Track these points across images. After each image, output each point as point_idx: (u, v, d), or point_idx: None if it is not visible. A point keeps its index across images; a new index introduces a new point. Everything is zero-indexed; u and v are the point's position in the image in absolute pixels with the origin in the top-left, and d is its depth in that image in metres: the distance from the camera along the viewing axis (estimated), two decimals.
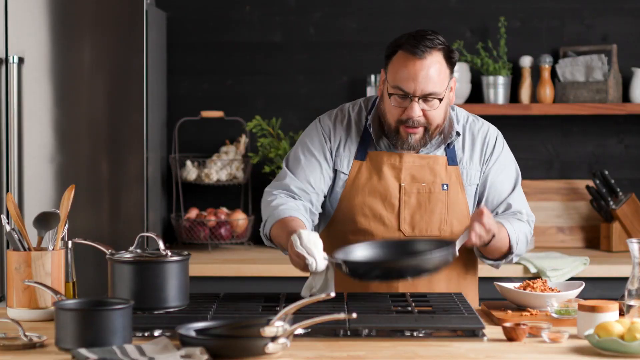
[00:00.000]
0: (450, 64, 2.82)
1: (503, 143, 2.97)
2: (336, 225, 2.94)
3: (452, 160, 2.91)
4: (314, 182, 2.92)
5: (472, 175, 2.93)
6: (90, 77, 4.08)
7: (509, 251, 2.87)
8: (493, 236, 2.73)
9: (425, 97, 2.78)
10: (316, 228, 3.00)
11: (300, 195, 2.91)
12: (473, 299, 2.99)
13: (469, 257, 2.98)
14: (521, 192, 2.98)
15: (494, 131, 2.98)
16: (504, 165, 2.96)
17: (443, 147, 2.92)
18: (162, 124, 4.59)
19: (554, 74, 4.73)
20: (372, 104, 2.97)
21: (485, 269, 4.11)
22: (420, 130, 2.83)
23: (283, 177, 2.95)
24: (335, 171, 2.93)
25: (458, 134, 2.92)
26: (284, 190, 2.92)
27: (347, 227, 2.92)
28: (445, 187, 2.89)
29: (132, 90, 4.08)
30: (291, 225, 2.76)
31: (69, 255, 2.76)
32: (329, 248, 2.78)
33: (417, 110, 2.78)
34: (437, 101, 2.79)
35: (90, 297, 2.41)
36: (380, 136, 2.91)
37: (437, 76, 2.77)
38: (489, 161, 2.94)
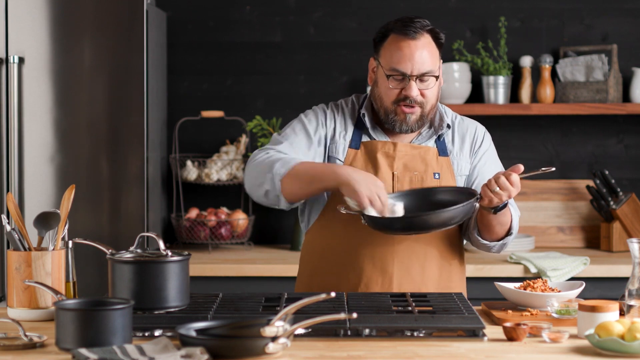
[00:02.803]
0: (439, 44, 2.93)
1: (490, 139, 3.06)
2: (331, 212, 2.95)
3: (442, 151, 2.98)
4: (304, 158, 2.94)
5: (463, 167, 3.00)
6: (90, 77, 4.08)
7: (509, 232, 2.92)
8: (506, 204, 2.79)
9: (422, 77, 2.87)
10: (309, 215, 3.02)
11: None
12: (461, 287, 3.03)
13: (456, 243, 3.01)
14: None
15: (481, 128, 3.07)
16: (493, 158, 3.04)
17: (434, 139, 2.99)
18: (162, 124, 4.59)
19: (554, 74, 4.73)
20: (363, 99, 3.04)
21: (486, 269, 4.13)
22: (417, 109, 2.90)
23: (277, 143, 2.96)
24: (329, 158, 2.98)
25: (449, 126, 3.00)
26: (279, 151, 2.94)
27: (342, 215, 2.92)
28: (437, 176, 2.96)
29: (132, 90, 4.08)
30: (321, 164, 2.84)
31: (69, 255, 2.76)
32: (324, 234, 2.92)
33: (415, 89, 2.87)
34: (434, 79, 2.89)
35: (90, 297, 2.42)
36: (374, 126, 2.98)
37: (430, 55, 2.88)
38: (477, 152, 3.01)
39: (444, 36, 2.94)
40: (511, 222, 2.90)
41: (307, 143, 2.95)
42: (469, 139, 3.01)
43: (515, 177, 2.73)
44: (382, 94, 2.92)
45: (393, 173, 2.93)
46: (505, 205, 2.80)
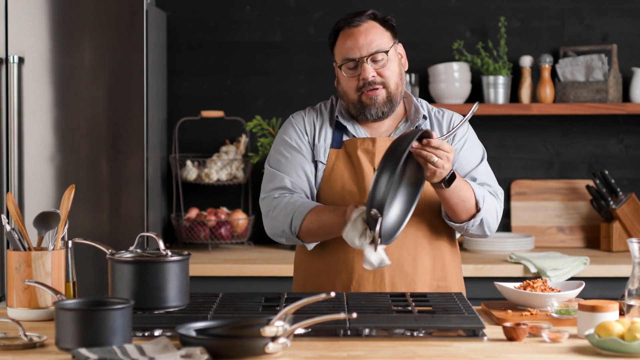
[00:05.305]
0: (388, 27, 2.96)
1: (468, 126, 3.05)
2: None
3: None
4: (305, 172, 2.97)
5: None
6: (90, 77, 4.08)
7: (477, 210, 2.87)
8: (454, 175, 2.75)
9: (373, 57, 2.91)
10: None
11: (296, 190, 2.97)
12: (456, 275, 3.02)
13: (445, 231, 3.00)
14: (488, 168, 3.03)
15: (458, 116, 3.06)
16: (469, 143, 3.02)
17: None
18: (162, 124, 4.59)
19: (554, 74, 4.73)
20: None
21: (486, 269, 4.13)
22: (382, 90, 2.93)
23: (273, 178, 2.99)
24: (315, 162, 3.00)
25: (425, 117, 3.01)
26: (282, 189, 2.96)
27: None
28: None
29: (132, 90, 4.08)
30: (331, 208, 2.85)
31: (69, 255, 2.76)
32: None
33: (369, 70, 2.91)
34: (385, 56, 2.91)
35: (90, 297, 2.42)
36: (353, 123, 3.00)
37: (377, 36, 2.92)
38: (454, 139, 3.01)
39: (393, 18, 2.98)
40: (475, 195, 2.86)
41: (299, 159, 2.98)
42: (446, 127, 3.01)
43: (435, 141, 2.68)
44: (344, 88, 2.96)
45: (374, 168, 2.93)
46: (453, 176, 2.76)
